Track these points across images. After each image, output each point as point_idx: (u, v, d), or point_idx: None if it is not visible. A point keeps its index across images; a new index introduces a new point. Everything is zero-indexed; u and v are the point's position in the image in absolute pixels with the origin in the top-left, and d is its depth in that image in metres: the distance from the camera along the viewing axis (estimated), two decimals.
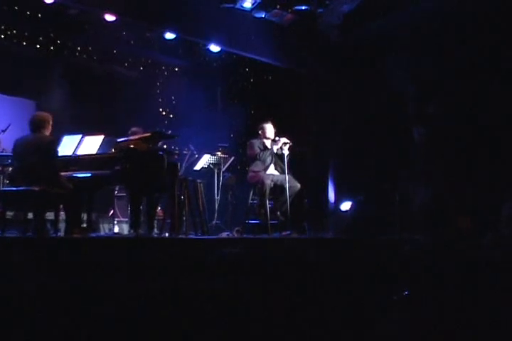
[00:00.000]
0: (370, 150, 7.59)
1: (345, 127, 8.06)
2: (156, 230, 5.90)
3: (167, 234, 5.70)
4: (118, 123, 7.53)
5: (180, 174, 5.85)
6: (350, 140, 7.95)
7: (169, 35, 7.84)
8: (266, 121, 6.62)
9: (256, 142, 6.51)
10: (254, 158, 6.41)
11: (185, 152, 6.66)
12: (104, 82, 8.03)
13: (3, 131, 6.17)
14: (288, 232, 6.07)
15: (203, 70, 8.74)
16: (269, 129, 6.56)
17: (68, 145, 5.45)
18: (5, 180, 5.92)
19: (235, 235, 6.33)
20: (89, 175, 5.27)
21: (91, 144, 5.43)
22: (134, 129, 6.07)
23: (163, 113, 8.86)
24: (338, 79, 8.09)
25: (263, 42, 7.67)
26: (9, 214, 5.51)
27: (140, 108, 8.01)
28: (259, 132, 6.59)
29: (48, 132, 5.11)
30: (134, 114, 7.76)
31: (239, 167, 8.30)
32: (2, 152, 6.17)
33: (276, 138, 6.45)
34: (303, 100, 8.70)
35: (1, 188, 5.76)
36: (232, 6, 7.44)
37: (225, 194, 7.38)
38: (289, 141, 6.39)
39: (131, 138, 5.48)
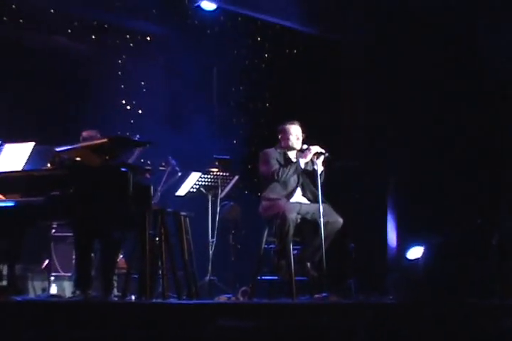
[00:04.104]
0: (452, 166, 7.57)
1: (412, 128, 8.05)
2: (115, 291, 5.89)
3: (133, 298, 5.71)
4: (58, 123, 7.57)
5: (154, 202, 5.86)
6: (419, 149, 7.93)
7: None
8: (290, 121, 6.58)
9: (273, 153, 6.52)
10: (271, 179, 6.41)
11: (162, 168, 6.67)
12: (37, 58, 8.08)
13: None
14: (324, 295, 6.09)
15: (190, 41, 8.78)
16: (295, 133, 6.54)
17: None
18: None
19: (241, 299, 6.38)
20: (11, 204, 5.29)
21: (15, 156, 5.45)
22: (85, 134, 6.08)
23: (128, 107, 8.89)
24: (397, 52, 8.12)
25: None
26: None
27: (92, 99, 8.05)
28: (279, 137, 6.60)
29: None
30: (82, 108, 7.79)
31: (246, 191, 8.31)
32: None
33: (305, 147, 6.47)
34: (346, 87, 8.72)
35: None
36: None
37: (224, 234, 7.40)
38: (323, 151, 6.40)
39: (77, 146, 5.49)
